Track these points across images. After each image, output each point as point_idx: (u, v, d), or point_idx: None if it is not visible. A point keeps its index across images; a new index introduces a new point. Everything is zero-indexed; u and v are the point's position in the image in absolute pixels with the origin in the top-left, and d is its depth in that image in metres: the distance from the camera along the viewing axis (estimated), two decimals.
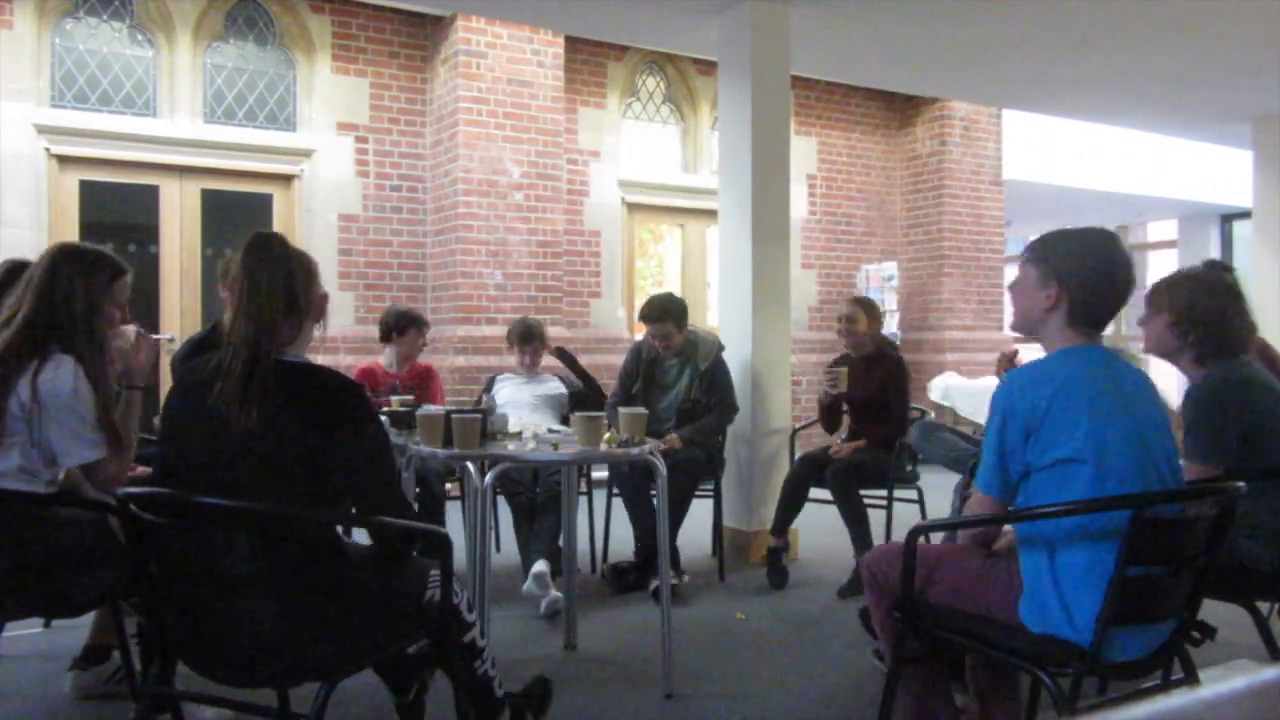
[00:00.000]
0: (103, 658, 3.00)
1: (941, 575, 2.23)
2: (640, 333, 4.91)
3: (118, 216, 7.00)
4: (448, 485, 4.58)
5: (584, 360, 5.16)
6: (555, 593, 3.92)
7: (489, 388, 4.94)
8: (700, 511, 4.84)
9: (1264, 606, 2.68)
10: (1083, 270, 2.10)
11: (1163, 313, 2.75)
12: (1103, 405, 2.02)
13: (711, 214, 6.76)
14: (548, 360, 5.01)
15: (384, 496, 2.11)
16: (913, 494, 4.59)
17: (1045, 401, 2.02)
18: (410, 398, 4.22)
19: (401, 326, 4.78)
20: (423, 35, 7.58)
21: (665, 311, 4.56)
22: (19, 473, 2.46)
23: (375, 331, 5.23)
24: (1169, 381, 3.75)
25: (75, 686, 2.97)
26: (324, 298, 2.22)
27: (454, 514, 4.64)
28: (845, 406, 4.80)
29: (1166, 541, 2.04)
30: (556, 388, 4.94)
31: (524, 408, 4.64)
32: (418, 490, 4.21)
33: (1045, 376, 2.07)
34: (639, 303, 8.13)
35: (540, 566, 4.02)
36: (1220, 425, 2.58)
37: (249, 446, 1.98)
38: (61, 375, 2.45)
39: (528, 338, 4.89)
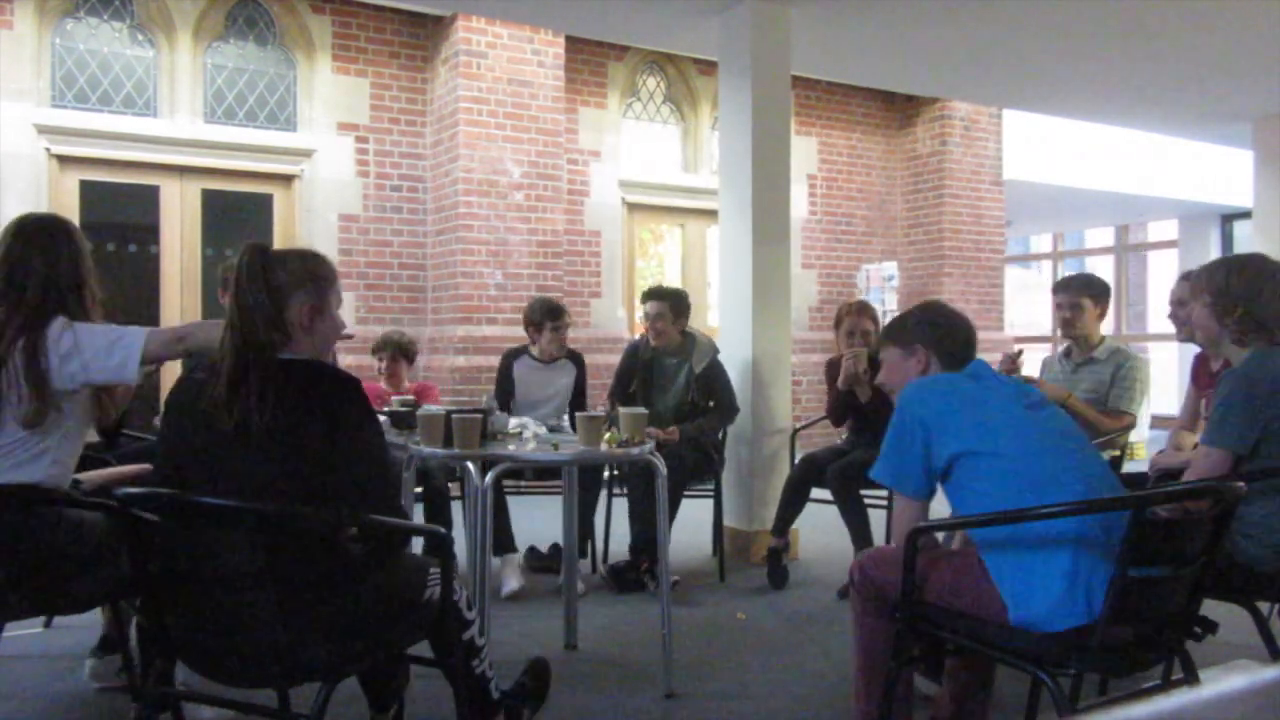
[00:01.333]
0: (117, 646, 3.00)
1: (937, 575, 2.23)
2: (639, 332, 4.91)
3: (118, 216, 7.00)
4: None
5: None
6: (514, 583, 4.23)
7: (508, 370, 4.75)
8: (700, 511, 4.84)
9: (1264, 606, 2.68)
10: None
11: (1201, 295, 2.75)
12: (997, 403, 2.26)
13: (712, 214, 6.76)
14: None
15: (376, 496, 2.10)
16: None
17: (940, 404, 2.26)
18: (411, 398, 4.22)
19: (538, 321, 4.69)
20: (423, 35, 7.58)
21: (669, 294, 4.63)
22: (50, 471, 2.46)
23: (376, 332, 5.22)
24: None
25: (93, 674, 3.01)
26: (304, 310, 2.15)
27: (455, 514, 4.63)
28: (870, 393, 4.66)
29: (1166, 542, 2.04)
30: (567, 379, 4.76)
31: (538, 397, 4.65)
32: (420, 489, 4.20)
33: (943, 384, 2.32)
34: (639, 303, 8.16)
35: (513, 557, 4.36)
36: (1249, 411, 2.55)
37: (242, 445, 1.98)
38: (59, 327, 2.46)
39: (555, 314, 4.65)
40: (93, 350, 2.43)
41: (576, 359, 4.82)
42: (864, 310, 4.67)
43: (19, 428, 2.41)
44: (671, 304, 4.59)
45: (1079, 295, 3.96)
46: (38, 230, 2.56)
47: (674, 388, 4.65)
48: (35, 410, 2.39)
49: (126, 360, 2.45)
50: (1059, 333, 3.97)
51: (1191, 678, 2.17)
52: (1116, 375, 3.89)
